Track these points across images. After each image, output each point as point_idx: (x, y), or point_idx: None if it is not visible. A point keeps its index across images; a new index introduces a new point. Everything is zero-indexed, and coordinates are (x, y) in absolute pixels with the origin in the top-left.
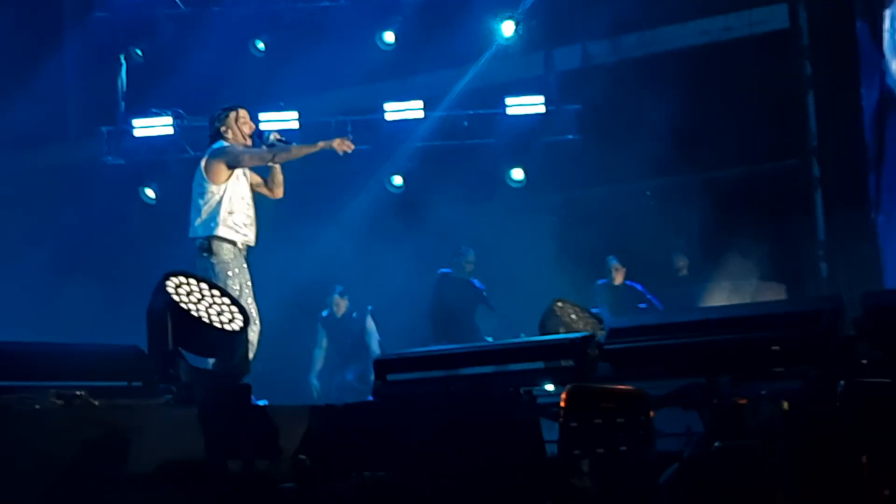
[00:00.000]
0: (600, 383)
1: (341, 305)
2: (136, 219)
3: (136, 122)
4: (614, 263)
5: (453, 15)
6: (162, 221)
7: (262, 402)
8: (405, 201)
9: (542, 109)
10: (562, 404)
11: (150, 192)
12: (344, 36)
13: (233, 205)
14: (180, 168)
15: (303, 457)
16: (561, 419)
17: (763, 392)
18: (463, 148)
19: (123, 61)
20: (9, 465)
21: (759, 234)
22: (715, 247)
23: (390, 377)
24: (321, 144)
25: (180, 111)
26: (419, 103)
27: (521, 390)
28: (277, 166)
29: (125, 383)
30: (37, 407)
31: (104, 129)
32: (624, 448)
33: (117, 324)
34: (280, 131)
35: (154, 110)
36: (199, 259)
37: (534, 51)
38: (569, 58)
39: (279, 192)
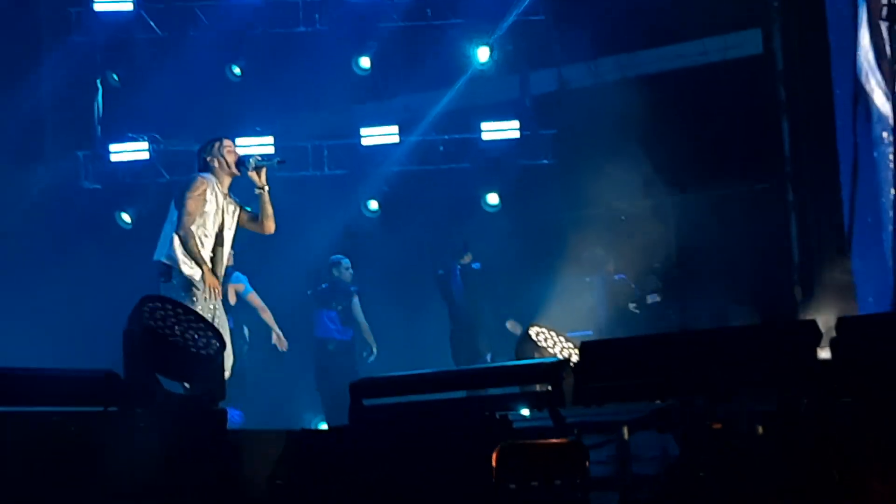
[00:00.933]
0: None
1: (346, 276)
2: (112, 243)
3: (112, 146)
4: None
5: (429, 40)
6: (138, 246)
7: (236, 413)
8: (381, 226)
9: (517, 134)
10: (493, 463)
11: (126, 217)
12: (320, 61)
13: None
14: (157, 192)
15: (279, 482)
16: (494, 478)
17: (738, 415)
18: (439, 172)
19: (100, 85)
20: None
21: (733, 257)
22: (689, 270)
23: (366, 401)
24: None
25: (156, 136)
26: (395, 128)
27: (497, 415)
28: (266, 196)
29: (101, 408)
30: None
31: (80, 153)
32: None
33: (93, 348)
34: (273, 156)
35: (130, 135)
36: (159, 282)
37: (509, 74)
38: (545, 82)
39: (270, 226)
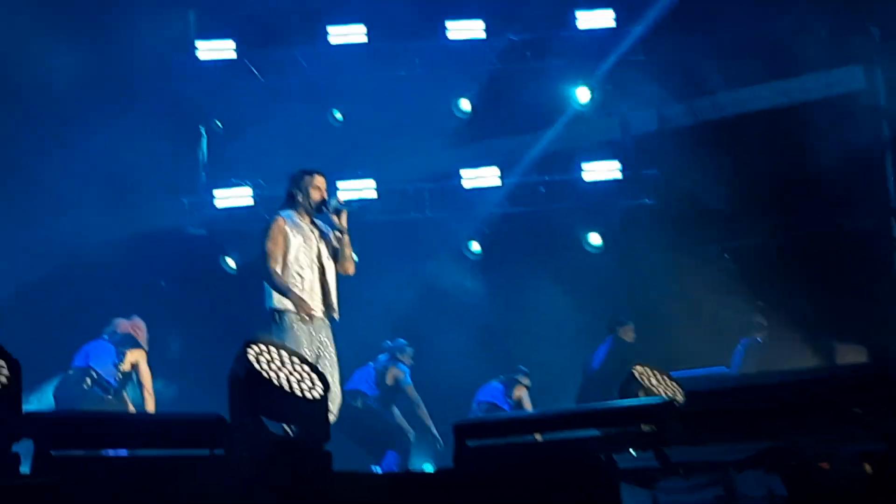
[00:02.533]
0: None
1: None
2: (217, 287)
3: (216, 192)
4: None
5: (528, 81)
6: (242, 290)
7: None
8: (483, 267)
9: (618, 174)
10: None
11: (230, 262)
12: (420, 103)
13: (288, 276)
14: (261, 237)
15: None
16: None
17: (845, 454)
18: (540, 213)
19: (203, 132)
20: None
21: (838, 295)
22: (793, 308)
23: (470, 442)
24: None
25: (260, 181)
26: (495, 170)
27: (602, 455)
28: (345, 239)
29: (207, 451)
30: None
31: (185, 199)
32: None
33: (199, 392)
34: (354, 201)
35: (234, 180)
36: (269, 328)
37: (609, 115)
38: (645, 121)
39: (349, 268)
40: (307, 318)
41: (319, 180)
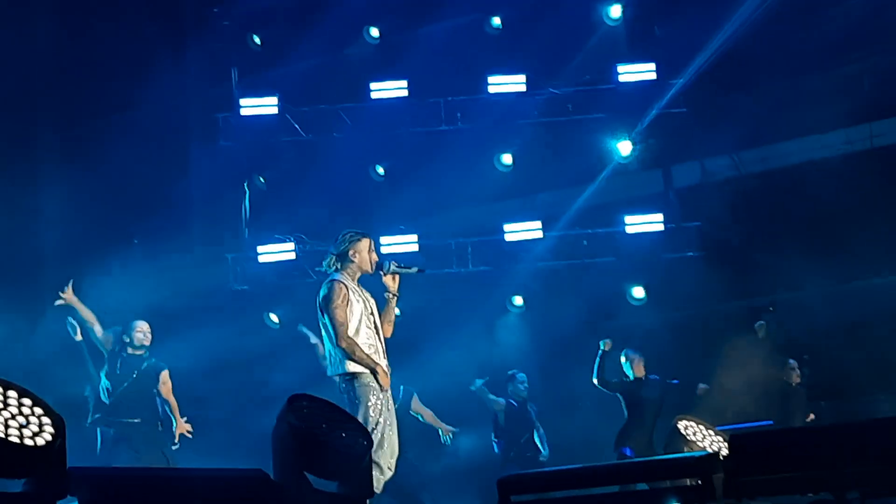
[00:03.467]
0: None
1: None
2: (262, 343)
3: (259, 248)
4: (631, 355)
5: (570, 135)
6: (286, 345)
7: None
8: (527, 321)
9: (661, 227)
10: None
11: (274, 318)
12: (462, 158)
13: (357, 336)
14: (303, 293)
15: None
16: None
17: None
18: (583, 267)
19: (247, 188)
20: None
21: (884, 349)
22: (838, 363)
23: (514, 497)
24: (378, 370)
25: (302, 236)
26: (538, 223)
27: None
28: (393, 302)
29: None
30: None
31: (229, 255)
32: None
33: (241, 448)
34: (396, 256)
35: (277, 236)
36: (342, 395)
37: (652, 168)
38: (687, 174)
39: (389, 330)
40: (382, 383)
41: (371, 243)
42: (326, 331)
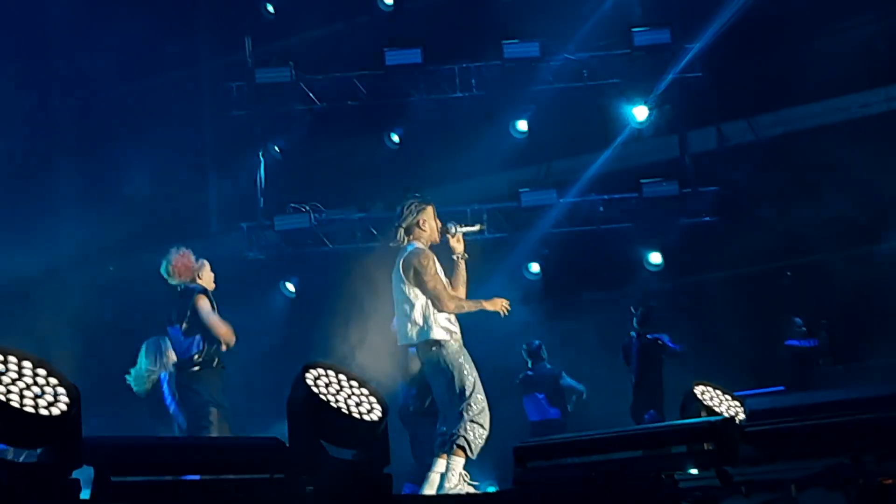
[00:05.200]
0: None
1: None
2: (277, 312)
3: (275, 217)
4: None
5: (585, 101)
6: (302, 314)
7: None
8: (542, 288)
9: (677, 192)
10: None
11: (290, 286)
12: (477, 125)
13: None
14: (319, 261)
15: None
16: None
17: None
18: (599, 233)
19: (262, 157)
20: None
21: None
22: (857, 327)
23: (530, 464)
24: (485, 305)
25: (318, 205)
26: (553, 190)
27: (663, 475)
28: (462, 263)
29: (267, 475)
30: None
31: (244, 225)
32: None
33: (257, 417)
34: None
35: (293, 205)
36: (427, 365)
37: (668, 133)
38: (704, 139)
39: (463, 292)
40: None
41: (435, 210)
42: (407, 299)
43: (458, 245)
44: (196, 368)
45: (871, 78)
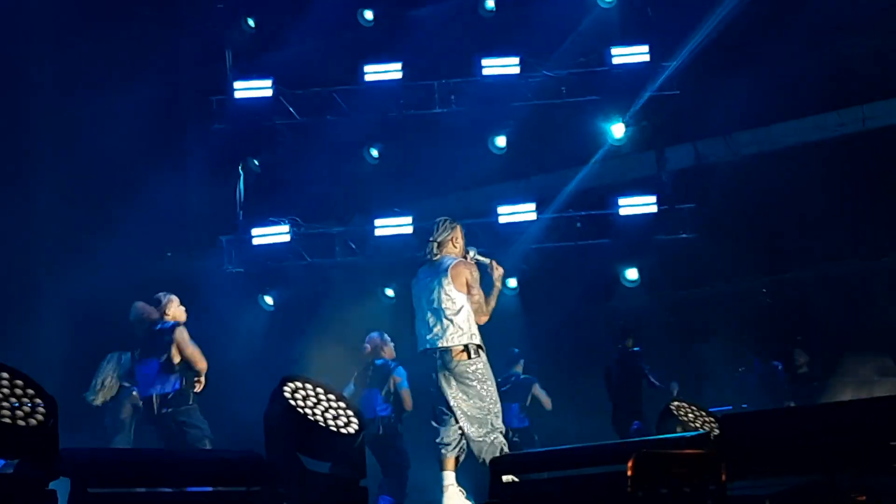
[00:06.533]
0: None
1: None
2: (256, 325)
3: (254, 231)
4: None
5: (564, 118)
6: (280, 327)
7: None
8: (520, 303)
9: (654, 209)
10: (629, 472)
11: (268, 299)
12: (456, 141)
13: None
14: (298, 275)
15: None
16: (629, 487)
17: (883, 488)
18: (576, 249)
19: (241, 171)
20: None
21: (881, 328)
22: (834, 342)
23: (505, 478)
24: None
25: (297, 219)
26: (531, 206)
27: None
28: (499, 285)
29: (244, 488)
30: None
31: (224, 238)
32: None
33: (234, 429)
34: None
35: (272, 219)
36: (456, 370)
37: (645, 150)
38: (681, 156)
39: (483, 319)
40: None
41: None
42: (452, 305)
43: (497, 270)
44: (191, 403)
45: (847, 97)
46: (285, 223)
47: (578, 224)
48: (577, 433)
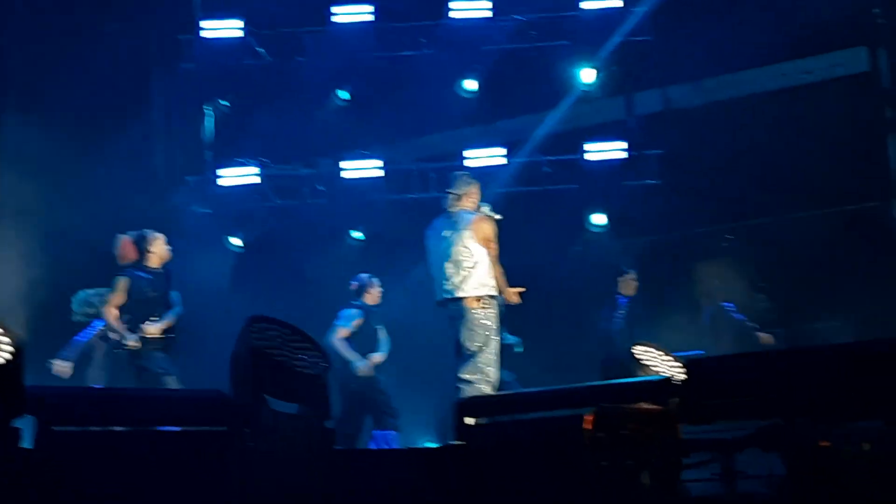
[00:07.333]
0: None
1: None
2: (222, 266)
3: (221, 171)
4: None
5: (534, 62)
6: (247, 268)
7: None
8: None
9: (623, 154)
10: (586, 426)
11: (235, 241)
12: (426, 84)
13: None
14: (266, 216)
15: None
16: (587, 442)
17: (844, 433)
18: (545, 193)
19: (209, 111)
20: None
21: (842, 275)
22: (796, 289)
23: (469, 420)
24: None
25: (265, 160)
26: (501, 150)
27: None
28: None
29: (209, 428)
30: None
31: (190, 178)
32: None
33: (201, 370)
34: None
35: (239, 160)
36: (468, 317)
37: (614, 95)
38: (650, 102)
39: (499, 271)
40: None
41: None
42: (471, 257)
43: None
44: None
45: (816, 45)
46: (253, 164)
47: (546, 169)
48: (538, 375)
